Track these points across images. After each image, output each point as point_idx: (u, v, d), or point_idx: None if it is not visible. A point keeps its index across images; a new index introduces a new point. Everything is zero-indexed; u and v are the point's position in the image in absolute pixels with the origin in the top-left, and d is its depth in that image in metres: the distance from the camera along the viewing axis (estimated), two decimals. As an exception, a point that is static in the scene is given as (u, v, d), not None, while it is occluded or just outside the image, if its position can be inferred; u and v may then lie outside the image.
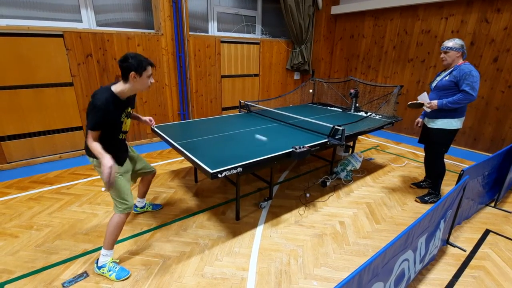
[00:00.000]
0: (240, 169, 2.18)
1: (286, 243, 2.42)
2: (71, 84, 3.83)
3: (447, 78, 2.73)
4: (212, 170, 2.06)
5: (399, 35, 5.24)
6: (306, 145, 2.54)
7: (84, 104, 3.98)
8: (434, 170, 3.09)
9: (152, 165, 2.58)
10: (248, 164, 2.22)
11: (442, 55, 2.74)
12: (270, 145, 2.65)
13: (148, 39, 4.31)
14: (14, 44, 3.35)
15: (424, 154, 3.24)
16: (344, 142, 2.79)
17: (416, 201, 3.13)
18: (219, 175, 2.07)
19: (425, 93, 2.84)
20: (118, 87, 1.87)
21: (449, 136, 2.87)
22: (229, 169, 2.11)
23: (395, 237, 1.42)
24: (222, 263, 2.18)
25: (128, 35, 4.13)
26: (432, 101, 2.76)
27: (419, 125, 3.17)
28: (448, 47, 2.68)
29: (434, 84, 2.90)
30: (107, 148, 1.82)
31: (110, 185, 1.77)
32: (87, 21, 3.98)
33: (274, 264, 2.18)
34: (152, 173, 2.56)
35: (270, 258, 2.24)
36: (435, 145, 2.95)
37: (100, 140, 1.85)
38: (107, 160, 1.73)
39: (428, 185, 3.36)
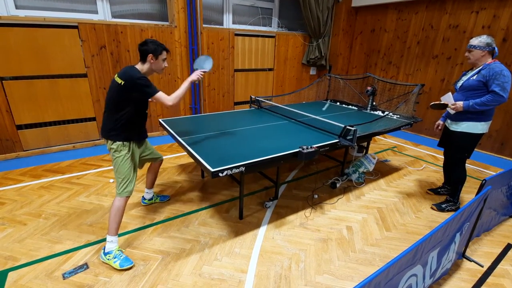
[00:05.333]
0: (242, 169, 2.10)
1: (289, 246, 2.33)
2: (85, 76, 3.88)
3: (474, 77, 2.51)
4: (213, 168, 2.00)
5: (424, 30, 4.93)
6: (315, 145, 2.42)
7: (98, 95, 4.04)
8: (454, 177, 2.88)
9: (160, 157, 2.60)
10: (251, 163, 2.15)
11: (467, 53, 2.55)
12: (276, 144, 2.55)
13: (161, 31, 4.28)
14: (31, 35, 3.42)
15: (443, 158, 3.04)
16: (355, 144, 2.65)
17: (432, 208, 2.94)
18: (220, 174, 2.01)
19: (449, 94, 2.63)
20: (138, 66, 2.08)
21: (473, 140, 2.65)
22: (231, 168, 2.04)
23: (400, 254, 1.30)
24: (221, 263, 2.13)
25: (142, 27, 4.12)
26: (457, 102, 2.55)
27: (439, 128, 2.96)
28: (472, 45, 2.48)
29: (459, 84, 2.68)
30: (138, 121, 2.15)
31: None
32: (103, 13, 4.00)
33: (274, 268, 2.11)
34: (159, 160, 2.62)
35: (270, 261, 2.17)
36: (457, 150, 2.75)
37: (135, 113, 2.08)
38: (191, 77, 2.25)
39: (447, 192, 3.15)
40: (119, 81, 1.97)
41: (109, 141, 2.10)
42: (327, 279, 2.03)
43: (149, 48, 2.03)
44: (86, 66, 3.85)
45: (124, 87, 1.96)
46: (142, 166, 2.52)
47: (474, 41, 2.48)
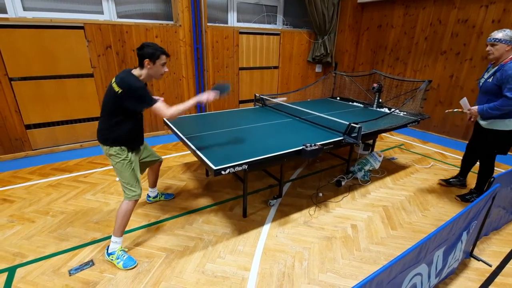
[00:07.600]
0: (245, 166, 2.10)
1: (292, 244, 2.32)
2: (91, 76, 3.93)
3: (490, 80, 2.44)
4: (216, 166, 2.00)
5: (432, 25, 4.82)
6: (318, 143, 2.40)
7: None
8: (481, 170, 2.84)
9: (166, 156, 2.59)
10: (254, 161, 2.14)
11: (489, 47, 2.41)
12: (280, 142, 2.54)
13: (166, 30, 4.30)
14: (38, 36, 3.48)
15: (464, 151, 3.07)
16: (360, 141, 2.62)
17: (456, 199, 2.99)
18: (223, 172, 2.01)
19: (465, 98, 2.62)
20: (136, 72, 2.00)
21: (502, 137, 2.57)
22: (234, 166, 2.04)
23: (403, 252, 1.28)
24: (224, 261, 2.13)
25: (147, 26, 4.15)
26: (473, 108, 2.51)
27: (472, 119, 2.75)
28: (497, 38, 2.34)
29: (481, 83, 2.58)
30: (135, 127, 2.08)
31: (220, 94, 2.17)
32: (108, 13, 4.04)
33: (277, 265, 2.10)
34: (158, 162, 2.58)
35: (273, 259, 2.16)
36: (487, 146, 2.69)
37: (131, 120, 2.02)
38: (201, 97, 2.09)
39: (459, 183, 3.17)
40: (116, 89, 1.89)
41: (106, 147, 2.03)
42: (330, 277, 2.01)
43: (146, 53, 1.92)
44: (92, 66, 3.90)
45: (121, 96, 1.88)
46: (143, 170, 2.48)
47: (498, 34, 2.34)
